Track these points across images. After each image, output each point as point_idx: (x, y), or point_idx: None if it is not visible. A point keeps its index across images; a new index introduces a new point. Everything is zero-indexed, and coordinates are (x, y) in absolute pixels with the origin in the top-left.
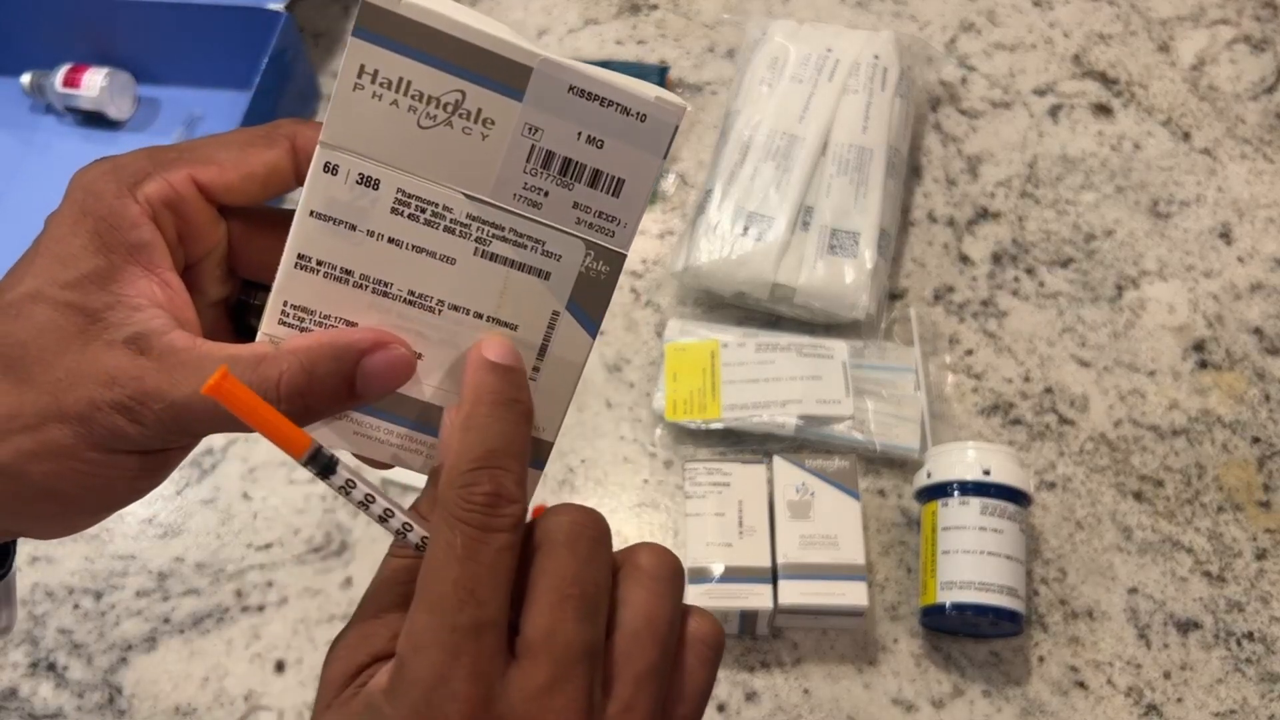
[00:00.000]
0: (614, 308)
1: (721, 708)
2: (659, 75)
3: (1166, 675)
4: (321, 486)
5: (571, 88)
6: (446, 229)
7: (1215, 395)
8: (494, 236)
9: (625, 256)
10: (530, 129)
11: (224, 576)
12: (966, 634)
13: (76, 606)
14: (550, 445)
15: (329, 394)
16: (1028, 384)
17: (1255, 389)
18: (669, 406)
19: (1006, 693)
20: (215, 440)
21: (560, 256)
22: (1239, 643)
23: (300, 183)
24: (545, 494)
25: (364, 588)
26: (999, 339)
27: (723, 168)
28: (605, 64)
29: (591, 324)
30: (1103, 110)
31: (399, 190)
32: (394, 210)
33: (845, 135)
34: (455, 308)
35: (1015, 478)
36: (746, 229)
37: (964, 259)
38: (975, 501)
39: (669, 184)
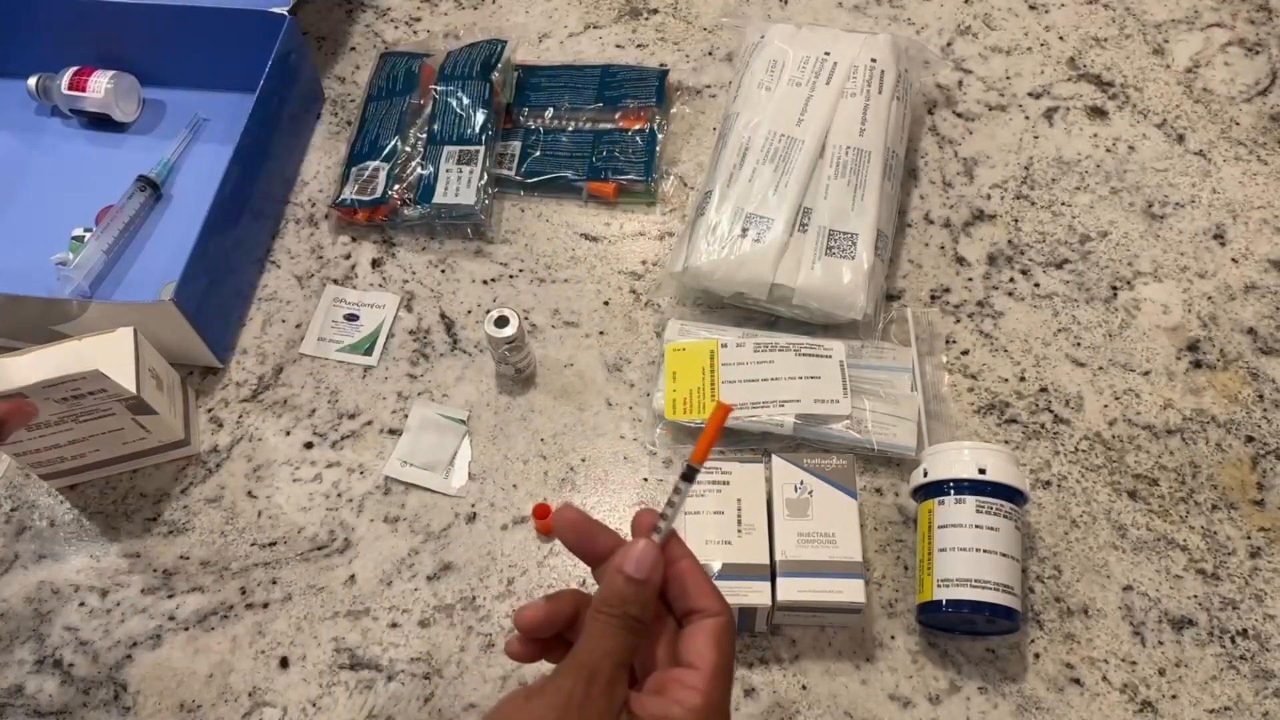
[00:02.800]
0: (615, 308)
1: None
2: (659, 78)
3: (1161, 672)
4: (325, 484)
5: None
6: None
7: (1209, 395)
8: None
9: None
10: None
11: (229, 574)
12: (963, 631)
13: (82, 604)
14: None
15: None
16: (1023, 384)
17: (1249, 389)
18: (669, 406)
19: (1002, 689)
20: (220, 439)
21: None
22: (1233, 640)
23: None
24: (547, 492)
25: (367, 585)
26: (995, 339)
27: (721, 170)
28: (605, 67)
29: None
30: (1098, 113)
31: None
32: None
33: (843, 138)
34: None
35: (1011, 476)
36: (745, 230)
37: (960, 260)
38: (971, 500)
39: (668, 185)
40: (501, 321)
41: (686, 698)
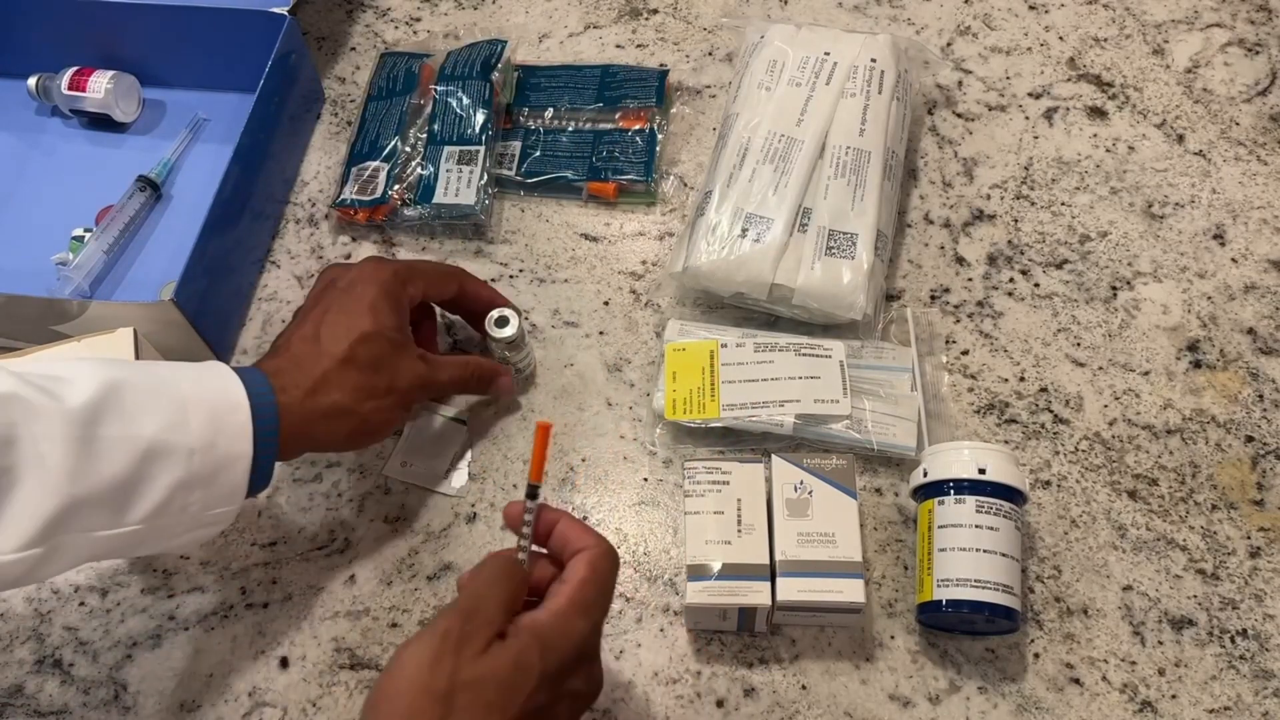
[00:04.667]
0: (615, 308)
1: (720, 703)
2: (659, 78)
3: (1161, 672)
4: (325, 484)
5: None
6: None
7: (1209, 395)
8: None
9: None
10: None
11: (229, 574)
12: (962, 631)
13: (82, 604)
14: None
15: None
16: (1023, 384)
17: (1249, 389)
18: (669, 406)
19: (1002, 689)
20: None
21: None
22: (1233, 640)
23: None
24: (547, 491)
25: (367, 584)
26: (994, 339)
27: (721, 170)
28: (605, 67)
29: None
30: (1097, 113)
31: None
32: None
33: (842, 138)
34: None
35: (1011, 476)
36: (745, 230)
37: (960, 260)
38: (971, 500)
39: (669, 186)
40: (501, 321)
41: (552, 602)
